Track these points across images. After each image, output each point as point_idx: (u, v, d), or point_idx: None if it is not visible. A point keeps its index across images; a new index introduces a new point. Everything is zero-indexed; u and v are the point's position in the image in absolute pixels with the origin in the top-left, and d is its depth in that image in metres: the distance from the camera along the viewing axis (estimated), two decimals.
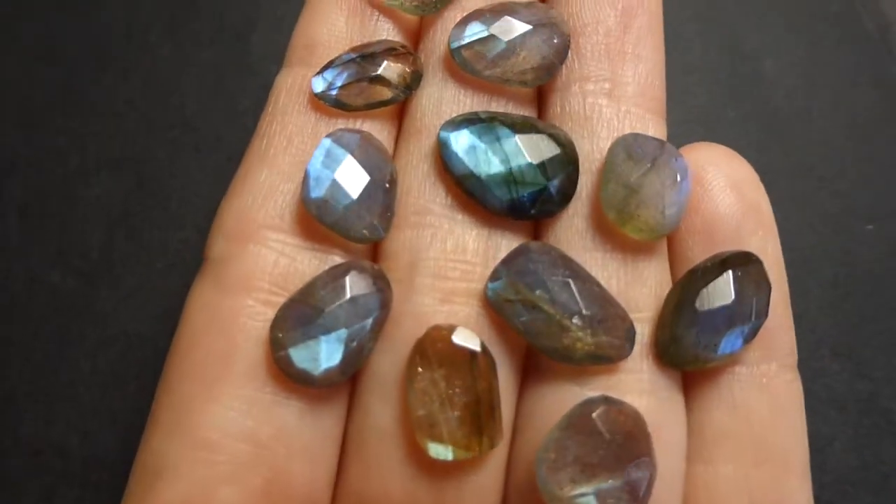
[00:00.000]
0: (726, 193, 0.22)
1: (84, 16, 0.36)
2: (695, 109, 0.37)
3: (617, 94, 0.22)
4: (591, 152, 0.22)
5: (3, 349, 0.31)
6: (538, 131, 0.21)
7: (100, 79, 0.35)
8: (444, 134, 0.21)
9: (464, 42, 0.22)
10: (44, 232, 0.33)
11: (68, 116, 0.35)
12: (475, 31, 0.22)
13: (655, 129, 0.23)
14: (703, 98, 0.37)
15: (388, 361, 0.21)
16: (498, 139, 0.21)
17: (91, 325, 0.32)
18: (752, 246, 0.22)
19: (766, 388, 0.21)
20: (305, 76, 0.23)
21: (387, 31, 0.24)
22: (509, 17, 0.22)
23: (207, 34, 0.36)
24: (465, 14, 0.23)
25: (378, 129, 0.23)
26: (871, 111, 0.37)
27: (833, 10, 0.39)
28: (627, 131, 0.22)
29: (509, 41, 0.22)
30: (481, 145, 0.21)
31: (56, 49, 0.36)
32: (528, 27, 0.22)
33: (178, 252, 0.33)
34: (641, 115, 0.22)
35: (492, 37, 0.22)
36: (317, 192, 0.21)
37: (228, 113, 0.35)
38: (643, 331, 0.21)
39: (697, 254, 0.22)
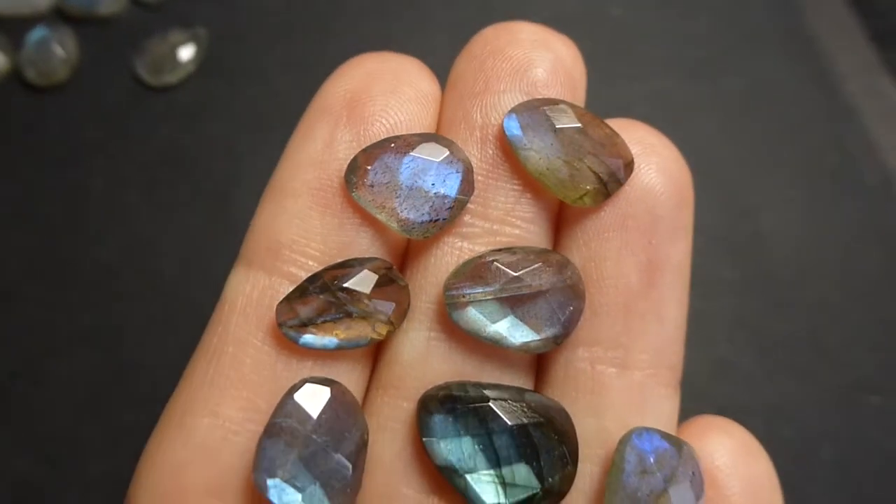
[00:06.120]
0: (743, 500, 0.17)
1: (62, 177, 0.31)
2: (694, 272, 0.31)
3: (630, 363, 0.17)
4: (595, 435, 0.17)
5: None
6: (535, 420, 0.16)
7: (75, 239, 0.30)
8: (424, 416, 0.15)
9: (462, 300, 0.16)
10: (9, 414, 0.27)
11: (43, 285, 0.29)
12: (476, 293, 0.16)
13: (670, 404, 0.18)
14: (701, 258, 0.31)
15: None
16: (488, 434, 0.15)
17: None
18: None
19: None
20: (267, 290, 0.17)
21: (369, 239, 0.17)
22: (519, 277, 0.16)
23: (187, 193, 0.31)
24: (461, 240, 0.17)
25: (349, 369, 0.17)
26: (874, 270, 0.31)
27: (832, 162, 0.33)
28: (637, 413, 0.17)
29: (517, 312, 0.16)
30: (467, 439, 0.15)
31: (32, 212, 0.30)
32: (541, 290, 0.17)
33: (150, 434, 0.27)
34: (655, 391, 0.17)
35: (496, 302, 0.16)
36: (272, 475, 0.15)
37: (207, 277, 0.29)
38: None
39: None
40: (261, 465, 0.15)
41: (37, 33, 0.33)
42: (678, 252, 0.18)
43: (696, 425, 0.18)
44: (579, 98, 0.18)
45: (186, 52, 0.32)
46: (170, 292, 0.28)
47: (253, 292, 0.17)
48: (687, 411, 0.25)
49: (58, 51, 0.32)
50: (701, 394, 0.28)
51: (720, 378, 0.28)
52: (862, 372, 0.29)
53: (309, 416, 0.16)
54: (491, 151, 0.17)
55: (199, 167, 0.31)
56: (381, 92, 0.17)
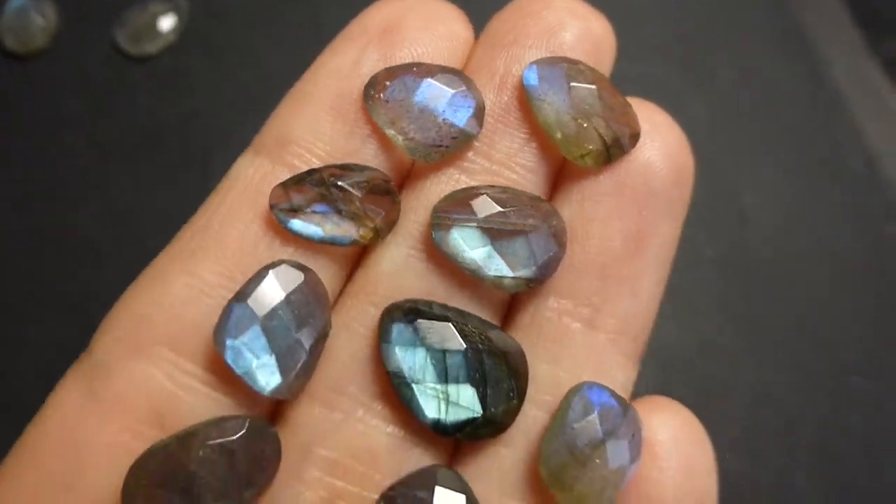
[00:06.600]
0: (678, 479, 0.17)
1: (40, 147, 0.31)
2: (679, 253, 0.31)
3: (597, 323, 0.18)
4: (546, 381, 0.17)
5: None
6: (491, 351, 0.17)
7: (53, 211, 0.30)
8: (386, 322, 0.16)
9: (447, 223, 0.17)
10: None
11: (19, 254, 0.29)
12: (461, 218, 0.17)
13: (626, 374, 0.18)
14: (687, 240, 0.32)
15: None
16: (443, 351, 0.16)
17: None
18: None
19: None
20: (268, 175, 0.17)
21: (374, 152, 0.18)
22: (506, 213, 0.17)
23: (166, 163, 0.31)
24: (460, 173, 0.18)
25: (326, 266, 0.17)
26: (858, 255, 0.31)
27: (817, 147, 0.33)
28: (592, 371, 0.17)
29: (496, 244, 0.17)
30: (421, 351, 0.15)
31: (8, 180, 0.30)
32: (524, 230, 0.17)
33: None
34: (614, 357, 0.18)
35: (479, 231, 0.17)
36: (233, 337, 0.16)
37: None
38: None
39: None
40: (223, 326, 0.16)
41: (17, 1, 0.33)
42: (666, 230, 0.18)
43: (647, 402, 0.18)
44: (604, 70, 0.19)
45: (167, 22, 0.33)
46: (149, 262, 0.29)
47: (255, 176, 0.17)
48: (670, 387, 0.25)
49: (37, 19, 0.32)
50: (684, 372, 0.27)
51: (704, 358, 0.28)
52: (845, 355, 0.29)
53: (279, 293, 0.16)
54: (506, 98, 0.18)
55: (179, 137, 0.31)
56: (416, 24, 0.18)
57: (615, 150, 0.17)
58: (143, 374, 0.16)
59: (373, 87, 0.17)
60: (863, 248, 0.30)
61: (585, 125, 0.17)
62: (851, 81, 0.33)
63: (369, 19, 0.18)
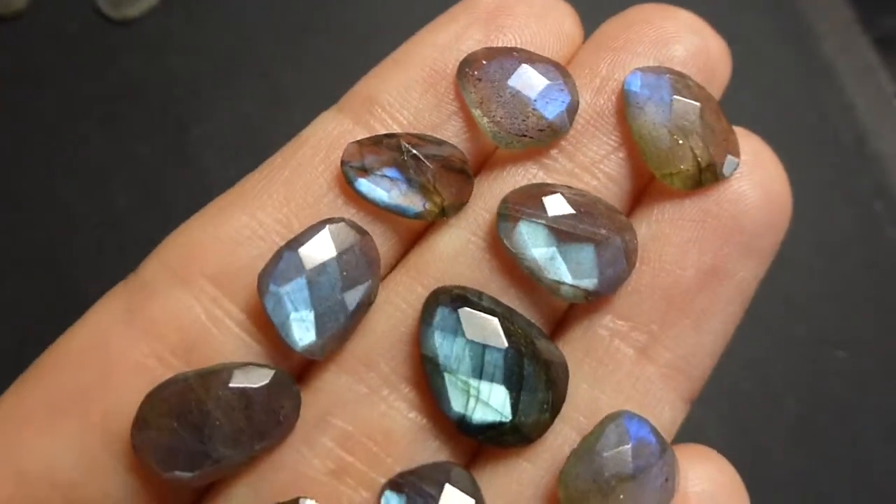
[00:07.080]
0: None
1: (18, 110, 0.31)
2: None
3: (651, 353, 0.16)
4: (585, 402, 0.16)
5: None
6: (534, 356, 0.15)
7: (23, 168, 0.30)
8: (431, 304, 0.15)
9: (515, 215, 0.16)
10: None
11: None
12: (531, 213, 0.16)
13: (673, 413, 0.17)
14: None
15: (249, 501, 0.16)
16: (483, 345, 0.15)
17: None
18: None
19: None
20: (346, 133, 0.17)
21: (456, 130, 0.17)
22: (578, 217, 0.16)
23: (144, 127, 0.30)
24: (539, 168, 0.17)
25: (384, 237, 0.17)
26: (844, 227, 0.30)
27: (807, 120, 0.32)
28: (636, 403, 0.16)
29: (562, 248, 0.16)
30: (461, 341, 0.15)
31: None
32: (594, 239, 0.16)
33: None
34: (662, 393, 0.16)
35: (547, 230, 0.16)
36: (277, 284, 0.16)
37: (160, 210, 0.29)
38: None
39: None
40: (270, 271, 0.15)
41: None
42: (746, 271, 0.17)
43: (687, 449, 0.16)
44: (714, 92, 0.18)
45: None
46: (122, 223, 0.28)
47: (334, 131, 0.17)
48: None
49: None
50: None
51: None
52: (828, 327, 0.28)
53: (332, 250, 0.16)
54: (602, 101, 0.17)
55: (158, 102, 0.31)
56: (526, 12, 0.18)
57: (708, 174, 0.16)
58: (181, 304, 0.16)
59: (469, 65, 0.17)
60: (851, 225, 0.30)
61: (681, 142, 0.16)
62: (843, 58, 0.32)
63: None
